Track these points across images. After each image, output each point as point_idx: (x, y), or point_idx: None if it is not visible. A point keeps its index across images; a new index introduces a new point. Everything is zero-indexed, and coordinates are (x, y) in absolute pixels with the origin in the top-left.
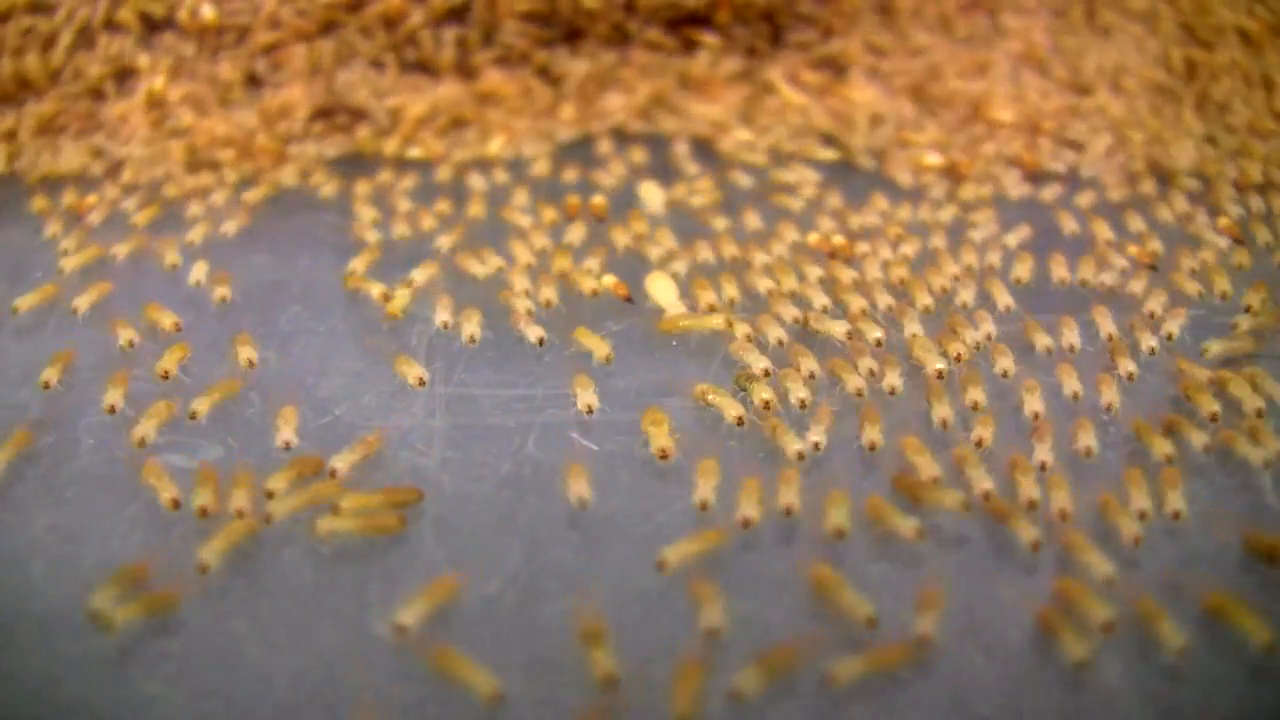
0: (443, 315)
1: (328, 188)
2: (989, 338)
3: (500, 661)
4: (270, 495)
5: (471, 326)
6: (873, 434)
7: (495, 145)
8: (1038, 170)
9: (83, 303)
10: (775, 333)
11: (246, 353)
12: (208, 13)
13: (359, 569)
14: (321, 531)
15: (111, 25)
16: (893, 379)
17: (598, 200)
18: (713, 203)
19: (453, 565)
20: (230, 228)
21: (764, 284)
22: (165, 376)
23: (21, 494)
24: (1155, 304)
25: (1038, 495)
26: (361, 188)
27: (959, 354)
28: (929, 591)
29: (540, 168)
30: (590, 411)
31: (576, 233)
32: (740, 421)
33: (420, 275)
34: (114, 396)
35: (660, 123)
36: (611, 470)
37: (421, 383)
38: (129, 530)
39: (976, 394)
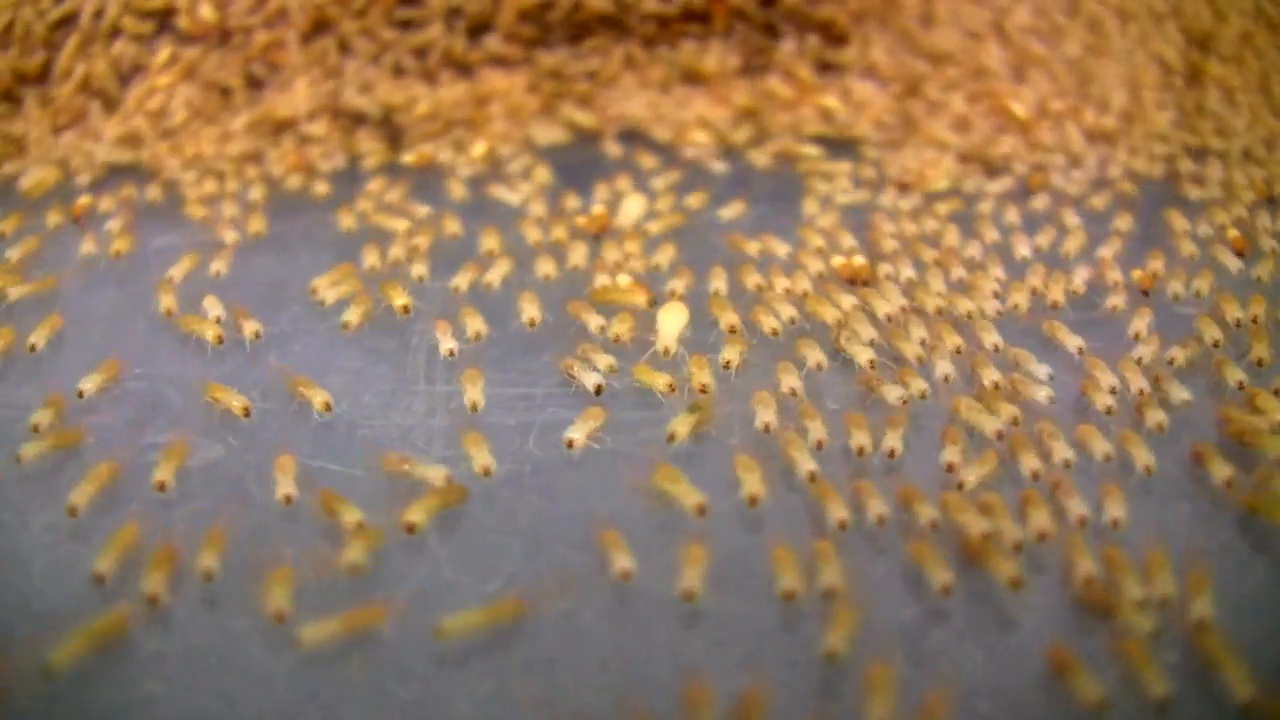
0: (447, 344)
1: (328, 189)
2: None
3: (500, 661)
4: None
5: (474, 392)
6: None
7: (481, 149)
8: (1044, 184)
9: (39, 338)
10: (790, 381)
11: (320, 397)
12: (206, 13)
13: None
14: (309, 642)
15: (110, 27)
16: (892, 440)
17: (598, 210)
18: (696, 220)
19: (453, 564)
20: (220, 266)
21: (787, 311)
22: (162, 488)
23: (21, 494)
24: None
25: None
26: (360, 193)
27: (1016, 418)
28: (934, 701)
29: (541, 170)
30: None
31: (607, 251)
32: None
33: (397, 250)
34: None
35: (659, 123)
36: (612, 469)
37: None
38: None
39: (1031, 461)
